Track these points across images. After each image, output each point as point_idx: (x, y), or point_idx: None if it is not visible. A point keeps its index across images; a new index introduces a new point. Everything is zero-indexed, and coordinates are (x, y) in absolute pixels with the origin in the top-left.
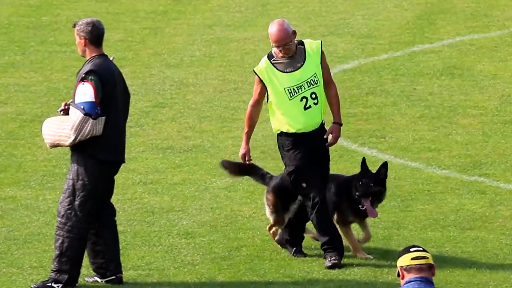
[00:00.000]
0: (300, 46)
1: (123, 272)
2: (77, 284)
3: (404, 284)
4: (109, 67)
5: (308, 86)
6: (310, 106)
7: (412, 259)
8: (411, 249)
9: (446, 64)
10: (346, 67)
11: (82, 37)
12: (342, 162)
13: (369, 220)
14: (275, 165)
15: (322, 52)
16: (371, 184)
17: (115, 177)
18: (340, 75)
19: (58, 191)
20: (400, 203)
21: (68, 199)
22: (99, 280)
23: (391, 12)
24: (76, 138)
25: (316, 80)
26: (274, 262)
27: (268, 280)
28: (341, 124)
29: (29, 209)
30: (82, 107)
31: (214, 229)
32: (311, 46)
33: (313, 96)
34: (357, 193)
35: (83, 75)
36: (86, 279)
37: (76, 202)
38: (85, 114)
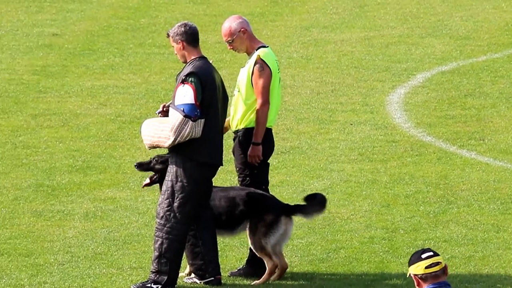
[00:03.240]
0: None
1: (222, 274)
2: (175, 285)
3: None
4: (209, 70)
5: (237, 90)
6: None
7: (427, 267)
8: (423, 256)
9: None
10: (444, 69)
11: (179, 41)
12: (441, 164)
13: (470, 222)
14: (372, 167)
15: (254, 66)
16: None
17: (213, 179)
18: (438, 77)
19: (156, 192)
20: (500, 206)
21: (167, 200)
22: (197, 281)
23: (489, 14)
24: (175, 139)
25: (238, 88)
26: (372, 264)
27: (366, 282)
28: (255, 144)
29: (128, 210)
30: (182, 109)
31: (312, 231)
32: (255, 56)
33: (234, 99)
34: None
35: (184, 77)
36: (185, 280)
37: (175, 204)
38: (185, 116)
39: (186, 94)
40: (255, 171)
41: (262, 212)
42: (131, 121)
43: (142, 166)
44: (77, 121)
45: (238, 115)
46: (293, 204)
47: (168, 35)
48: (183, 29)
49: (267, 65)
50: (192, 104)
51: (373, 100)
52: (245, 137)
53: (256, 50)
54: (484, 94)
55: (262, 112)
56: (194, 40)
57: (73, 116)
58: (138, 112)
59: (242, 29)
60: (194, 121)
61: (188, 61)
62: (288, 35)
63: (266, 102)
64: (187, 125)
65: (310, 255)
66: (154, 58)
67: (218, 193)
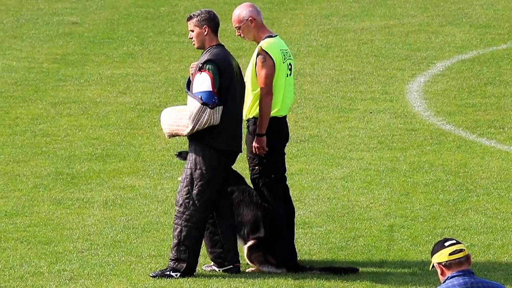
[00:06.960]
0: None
1: (241, 262)
2: (194, 273)
3: (447, 279)
4: (226, 57)
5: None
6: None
7: (450, 254)
8: (446, 244)
9: None
10: (465, 57)
11: (205, 25)
12: (460, 152)
13: (489, 210)
14: (392, 155)
15: (257, 58)
16: None
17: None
18: (458, 65)
19: (176, 180)
20: None
21: (186, 188)
22: (216, 269)
23: (510, 2)
24: (193, 127)
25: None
26: (391, 253)
27: (385, 270)
28: (258, 135)
29: (148, 198)
30: (199, 96)
31: (331, 219)
32: (258, 47)
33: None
34: None
35: (201, 65)
36: (204, 267)
37: (194, 192)
38: (203, 104)
39: (203, 82)
40: (264, 161)
41: (274, 249)
42: (151, 109)
43: (181, 155)
44: (96, 109)
45: (247, 105)
46: (302, 265)
47: (191, 17)
48: (211, 15)
49: (269, 56)
50: (209, 92)
51: (392, 89)
52: (254, 126)
53: (263, 40)
54: (504, 83)
55: (265, 103)
56: (216, 30)
57: (92, 104)
58: (158, 101)
59: (250, 18)
60: (212, 108)
61: (206, 48)
62: (308, 23)
63: (268, 93)
64: (205, 113)
65: (329, 243)
66: (174, 47)
67: (255, 207)
